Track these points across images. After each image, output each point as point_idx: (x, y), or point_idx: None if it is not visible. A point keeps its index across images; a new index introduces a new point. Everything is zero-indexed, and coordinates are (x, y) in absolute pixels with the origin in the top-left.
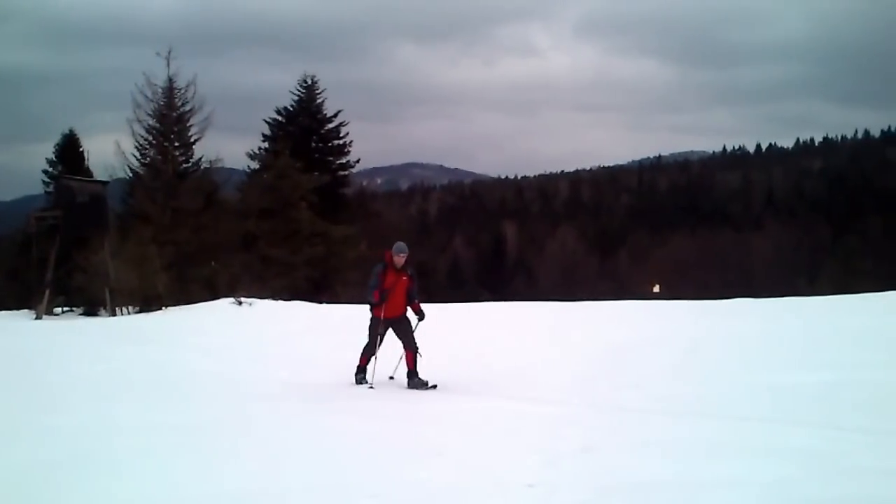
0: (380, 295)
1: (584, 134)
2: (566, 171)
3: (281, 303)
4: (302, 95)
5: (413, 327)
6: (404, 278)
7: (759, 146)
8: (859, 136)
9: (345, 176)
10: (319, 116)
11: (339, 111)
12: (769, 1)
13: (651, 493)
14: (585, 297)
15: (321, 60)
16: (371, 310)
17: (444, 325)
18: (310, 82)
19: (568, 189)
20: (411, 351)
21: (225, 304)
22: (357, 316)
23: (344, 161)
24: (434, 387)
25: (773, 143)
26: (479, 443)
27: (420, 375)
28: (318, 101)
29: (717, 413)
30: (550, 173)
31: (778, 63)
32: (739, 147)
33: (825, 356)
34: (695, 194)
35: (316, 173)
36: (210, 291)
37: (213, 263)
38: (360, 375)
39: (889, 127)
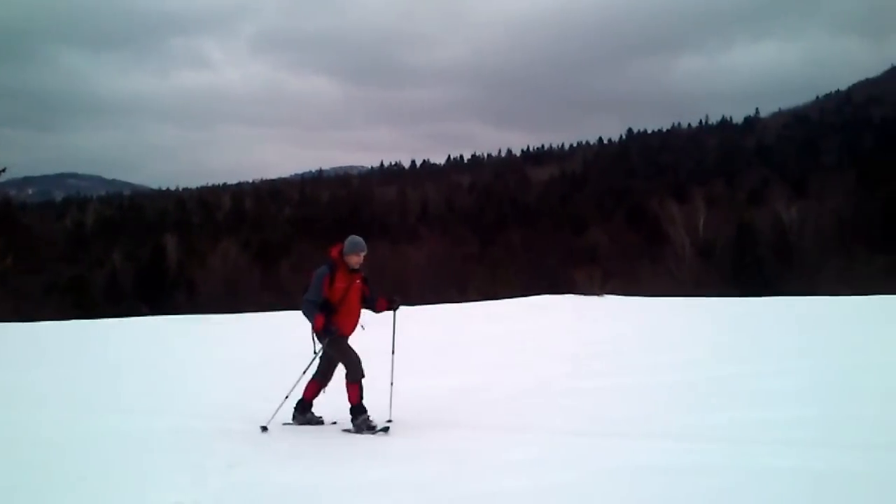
0: (324, 322)
1: (252, 147)
2: (228, 183)
3: None
4: None
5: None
6: (358, 282)
7: (413, 162)
8: (503, 154)
9: None
10: None
11: None
12: (437, 27)
13: (298, 502)
14: (249, 308)
15: None
16: (316, 327)
17: (93, 340)
18: None
19: (230, 202)
20: (319, 381)
21: None
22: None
23: None
24: (332, 424)
25: (426, 159)
26: (125, 464)
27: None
28: None
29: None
30: (213, 185)
31: (441, 85)
32: (396, 163)
33: (467, 360)
34: (354, 207)
35: None
36: None
37: None
38: (363, 416)
39: (528, 146)
